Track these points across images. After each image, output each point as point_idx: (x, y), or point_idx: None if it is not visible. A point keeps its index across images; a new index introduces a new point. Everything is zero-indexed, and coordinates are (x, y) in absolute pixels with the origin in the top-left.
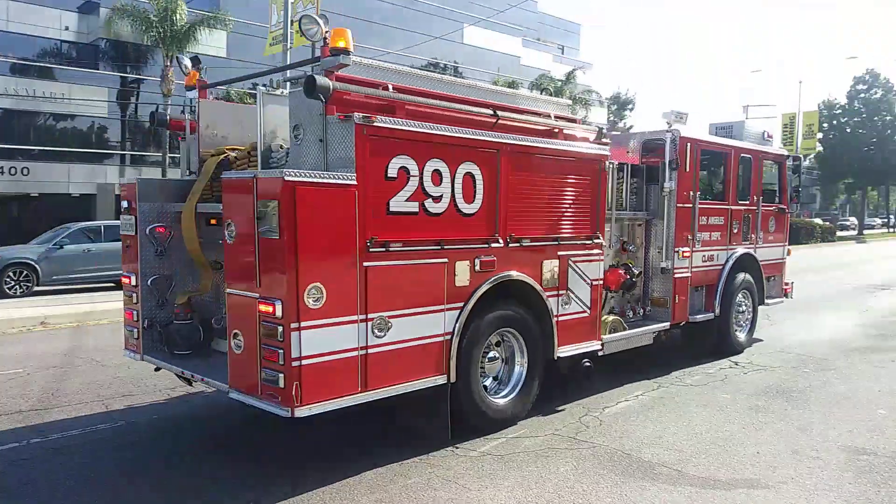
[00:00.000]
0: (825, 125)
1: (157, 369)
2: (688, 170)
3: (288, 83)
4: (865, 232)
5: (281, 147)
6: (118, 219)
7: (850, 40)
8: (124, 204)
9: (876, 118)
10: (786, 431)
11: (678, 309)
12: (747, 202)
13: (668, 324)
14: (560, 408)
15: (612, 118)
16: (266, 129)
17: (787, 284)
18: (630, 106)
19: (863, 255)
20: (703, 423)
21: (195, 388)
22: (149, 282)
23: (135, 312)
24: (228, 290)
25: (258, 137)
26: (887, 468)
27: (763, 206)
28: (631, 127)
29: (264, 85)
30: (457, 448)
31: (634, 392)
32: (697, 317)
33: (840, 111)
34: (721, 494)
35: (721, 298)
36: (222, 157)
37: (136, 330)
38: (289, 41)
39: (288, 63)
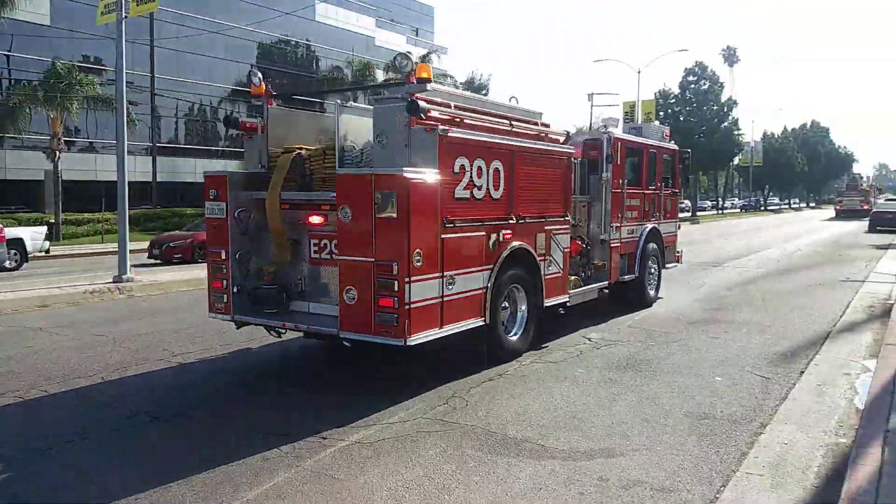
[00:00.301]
0: (661, 113)
1: (239, 326)
2: (618, 163)
3: (373, 99)
4: (698, 214)
5: (353, 148)
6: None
7: (686, 32)
8: (211, 192)
9: (705, 108)
10: (636, 402)
11: (613, 271)
12: (654, 187)
13: (607, 282)
14: (427, 392)
15: None
16: (340, 133)
17: (678, 252)
18: (484, 91)
19: (696, 235)
20: (562, 398)
21: (257, 342)
22: (237, 256)
23: (223, 281)
24: (342, 257)
25: (336, 140)
26: (724, 430)
27: (664, 190)
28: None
29: (340, 99)
30: (324, 439)
31: (497, 371)
32: (625, 277)
33: (674, 100)
34: (582, 465)
35: (639, 263)
36: (294, 154)
37: (225, 296)
38: (123, 10)
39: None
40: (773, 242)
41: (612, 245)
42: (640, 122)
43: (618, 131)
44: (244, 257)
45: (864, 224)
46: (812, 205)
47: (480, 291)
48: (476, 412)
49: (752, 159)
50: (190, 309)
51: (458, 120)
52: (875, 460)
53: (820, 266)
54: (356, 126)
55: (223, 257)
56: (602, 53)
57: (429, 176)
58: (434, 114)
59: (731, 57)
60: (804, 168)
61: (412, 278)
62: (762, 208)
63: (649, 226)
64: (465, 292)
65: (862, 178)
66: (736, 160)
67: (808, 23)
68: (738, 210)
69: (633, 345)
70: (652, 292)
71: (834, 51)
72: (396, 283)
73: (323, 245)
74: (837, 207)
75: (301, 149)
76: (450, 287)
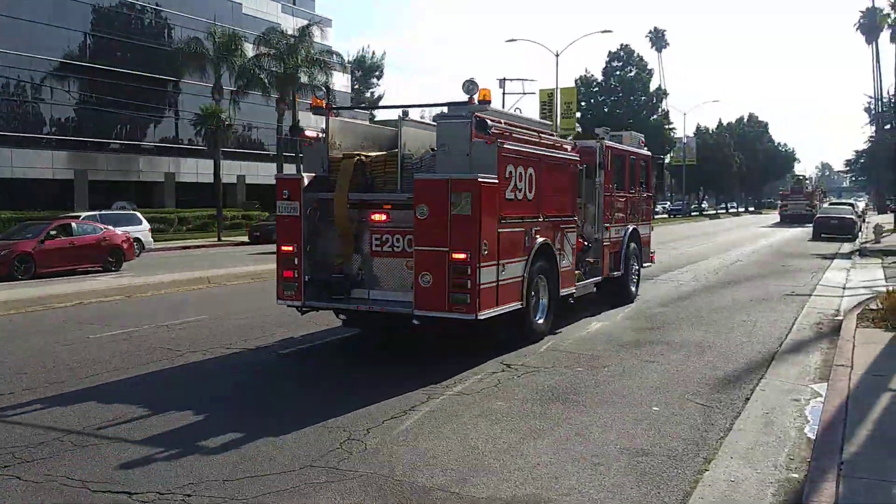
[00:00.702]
0: (583, 103)
1: (304, 311)
2: (609, 169)
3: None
4: None
5: (412, 155)
6: None
7: (610, 11)
8: (285, 192)
9: (632, 98)
10: (565, 437)
11: (605, 267)
12: (634, 191)
13: (600, 277)
14: (319, 427)
15: (356, 86)
16: (402, 143)
17: (652, 253)
18: (378, 73)
19: None
20: (479, 435)
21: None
22: (307, 249)
23: (295, 272)
24: (419, 248)
25: (399, 148)
26: (665, 468)
27: (641, 194)
28: (381, 97)
29: (404, 114)
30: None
31: (402, 407)
32: (614, 273)
33: (597, 88)
34: None
35: (624, 261)
36: (356, 159)
37: (296, 284)
38: None
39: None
40: (711, 252)
41: (604, 244)
42: (559, 112)
43: (608, 140)
44: (312, 251)
45: (809, 230)
46: (752, 209)
47: (520, 279)
48: (376, 456)
49: (685, 157)
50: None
51: (507, 133)
52: (829, 496)
53: (762, 278)
54: (411, 136)
55: (294, 251)
56: (516, 32)
57: (492, 180)
58: (493, 130)
59: (659, 40)
60: (742, 167)
61: (480, 265)
62: (696, 213)
63: (631, 227)
64: (511, 279)
65: (807, 179)
66: (667, 158)
67: (741, 7)
68: (667, 216)
69: (558, 371)
70: (633, 288)
71: (774, 38)
72: (469, 268)
73: (384, 239)
74: (782, 212)
75: (359, 155)
76: (502, 273)
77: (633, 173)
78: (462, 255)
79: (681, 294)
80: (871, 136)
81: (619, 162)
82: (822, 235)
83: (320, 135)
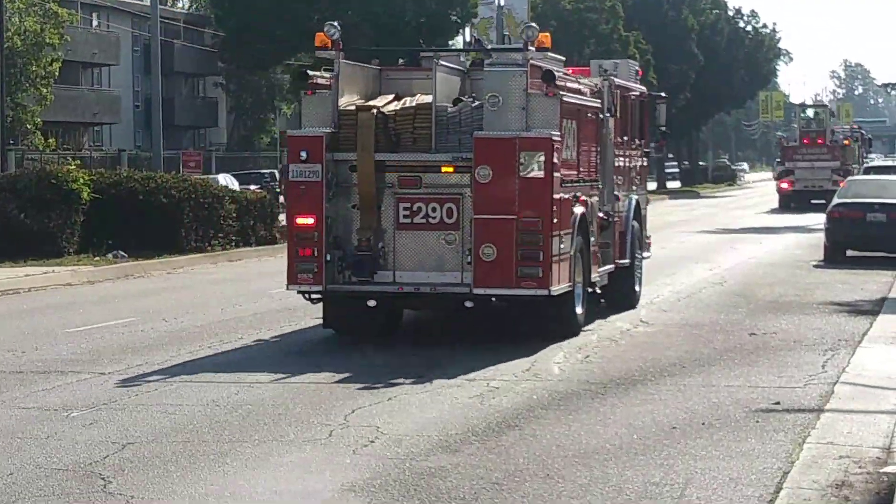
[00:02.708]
0: None
1: (315, 301)
2: (619, 117)
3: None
4: None
5: (448, 109)
6: None
7: None
8: (302, 153)
9: None
10: None
11: (618, 252)
12: (636, 146)
13: (612, 266)
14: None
15: None
16: (436, 93)
17: (648, 238)
18: None
19: None
20: None
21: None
22: (328, 222)
23: (314, 249)
24: (479, 216)
25: (433, 100)
26: None
27: (640, 150)
28: None
29: (436, 57)
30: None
31: None
32: (621, 262)
33: None
34: None
35: (630, 245)
36: (372, 112)
37: (315, 265)
38: None
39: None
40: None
41: (615, 219)
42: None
43: (616, 76)
44: (333, 223)
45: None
46: (743, 167)
47: (568, 256)
48: None
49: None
50: None
51: (562, 84)
52: None
53: (703, 366)
54: (440, 84)
55: (316, 223)
56: None
57: (558, 138)
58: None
59: None
60: (702, 58)
61: (553, 233)
62: None
63: (634, 198)
64: (564, 255)
65: (828, 108)
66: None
67: None
68: None
69: None
70: (638, 287)
71: None
72: (542, 237)
73: (416, 209)
74: (783, 185)
75: (376, 107)
76: (561, 245)
77: (633, 121)
78: (534, 222)
79: (525, 405)
80: None
81: (625, 106)
82: (848, 249)
83: (329, 82)
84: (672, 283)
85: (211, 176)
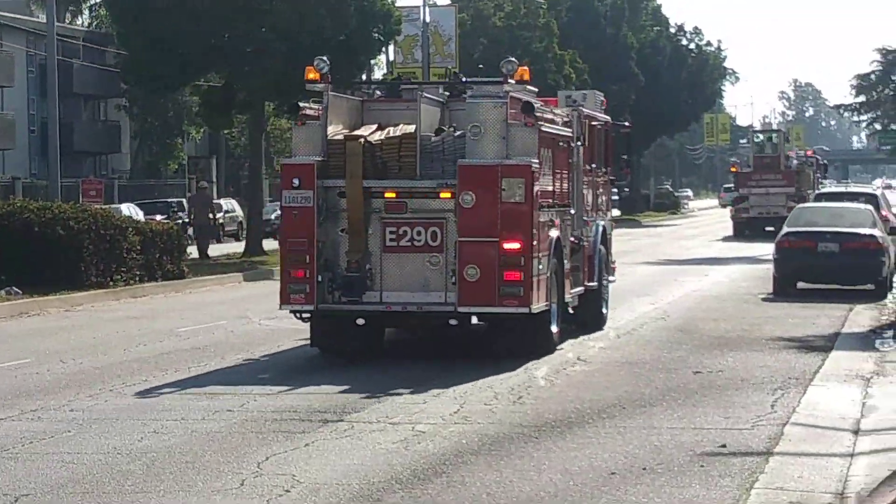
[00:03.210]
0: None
1: (306, 320)
2: (587, 145)
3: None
4: None
5: (431, 138)
6: None
7: None
8: (295, 181)
9: None
10: None
11: (587, 275)
12: (603, 173)
13: (583, 288)
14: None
15: None
16: (420, 124)
17: (613, 262)
18: None
19: None
20: None
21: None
22: (319, 245)
23: (306, 270)
24: (464, 239)
25: (417, 130)
26: None
27: (605, 177)
28: None
29: (421, 90)
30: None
31: None
32: (590, 284)
33: None
34: None
35: (598, 268)
36: (360, 142)
37: (307, 286)
38: None
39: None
40: None
41: (584, 243)
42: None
43: (583, 106)
44: (323, 246)
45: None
46: (687, 194)
47: (546, 276)
48: None
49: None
50: None
51: (540, 115)
52: None
53: (643, 406)
54: (423, 114)
55: (305, 247)
56: None
57: (536, 165)
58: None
59: None
60: (642, 78)
61: (534, 254)
62: None
63: (601, 223)
64: (543, 275)
65: (782, 133)
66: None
67: None
68: None
69: None
70: (605, 310)
71: None
72: (524, 258)
73: (402, 233)
74: (737, 214)
75: (363, 137)
76: (539, 266)
77: (599, 150)
78: (516, 245)
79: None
80: None
81: (592, 134)
82: (800, 285)
83: (318, 112)
84: (612, 318)
85: (113, 206)
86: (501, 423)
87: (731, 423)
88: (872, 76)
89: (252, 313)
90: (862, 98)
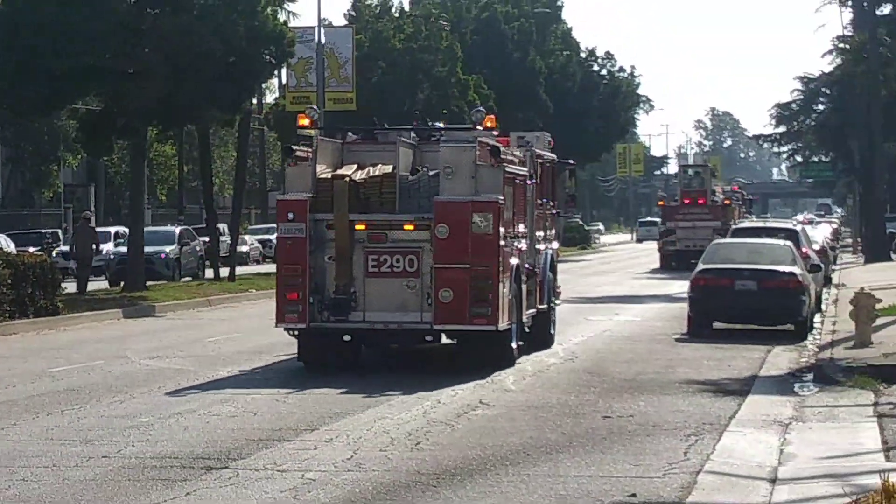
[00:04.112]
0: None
1: (296, 335)
2: (539, 181)
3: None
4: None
5: (408, 177)
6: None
7: None
8: (290, 214)
9: None
10: None
11: (538, 298)
12: (551, 206)
13: (535, 310)
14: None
15: None
16: (398, 164)
17: (559, 287)
18: None
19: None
20: None
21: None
22: (311, 271)
23: (300, 293)
24: (438, 265)
25: (398, 170)
26: None
27: (552, 210)
28: None
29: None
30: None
31: None
32: (540, 307)
33: None
34: None
35: (548, 292)
36: (346, 180)
37: (301, 306)
38: None
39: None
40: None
41: (537, 270)
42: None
43: (536, 146)
44: (314, 272)
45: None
46: (598, 228)
47: (510, 298)
48: None
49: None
50: None
51: (504, 157)
52: None
53: (558, 451)
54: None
55: (299, 272)
56: None
57: (503, 201)
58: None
59: None
60: (551, 105)
61: (500, 279)
62: None
63: (549, 252)
64: (506, 297)
65: (709, 168)
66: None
67: None
68: None
69: None
70: (553, 330)
71: None
72: (492, 282)
73: (382, 260)
74: (664, 247)
75: (348, 176)
76: (503, 289)
77: (547, 185)
78: (485, 271)
79: None
80: (838, 43)
81: (543, 171)
82: (716, 325)
83: (309, 154)
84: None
85: None
86: (397, 470)
87: (641, 470)
88: (793, 105)
89: (132, 353)
90: (782, 128)
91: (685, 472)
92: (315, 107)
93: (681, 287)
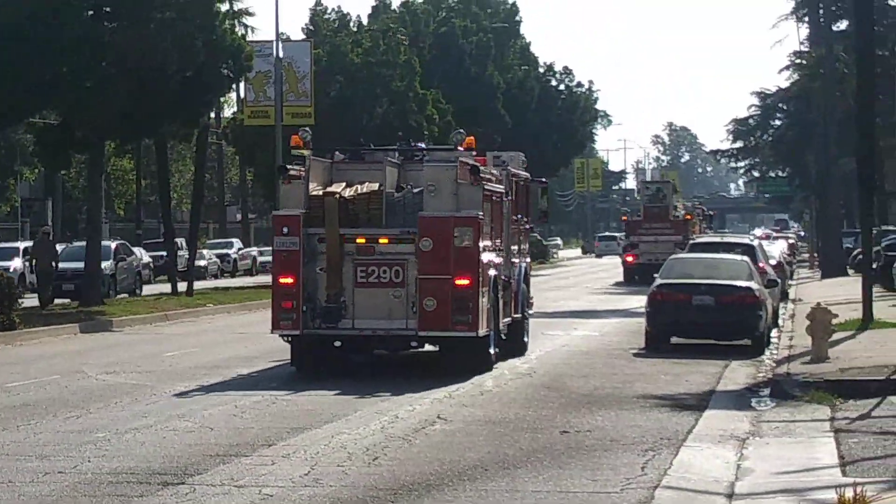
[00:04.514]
0: None
1: (289, 341)
2: (514, 198)
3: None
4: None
5: (394, 194)
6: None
7: None
8: (284, 229)
9: None
10: None
11: (513, 308)
12: (525, 222)
13: (510, 319)
14: None
15: None
16: (385, 182)
17: (531, 298)
18: None
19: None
20: None
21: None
22: (304, 281)
23: (293, 301)
24: (423, 276)
25: (384, 188)
26: None
27: (525, 226)
28: None
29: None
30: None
31: None
32: (515, 316)
33: None
34: None
35: (522, 302)
36: (336, 197)
37: (294, 314)
38: None
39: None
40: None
41: (512, 281)
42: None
43: (511, 166)
44: (306, 282)
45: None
46: (556, 243)
47: (489, 307)
48: None
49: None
50: None
51: (484, 176)
52: None
53: (515, 467)
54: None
55: (294, 283)
56: None
57: (482, 217)
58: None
59: None
60: (509, 120)
61: (480, 289)
62: None
63: (523, 265)
64: (486, 305)
65: (670, 184)
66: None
67: None
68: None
69: None
70: (526, 338)
71: None
72: (472, 291)
73: (370, 271)
74: (629, 258)
75: (337, 193)
76: (483, 299)
77: (524, 201)
78: (466, 281)
79: None
80: (795, 59)
81: (517, 189)
82: (674, 340)
83: (301, 173)
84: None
85: None
86: (355, 486)
87: (599, 486)
88: (750, 121)
89: (88, 367)
90: (739, 143)
91: (642, 488)
92: (308, 128)
93: (639, 302)
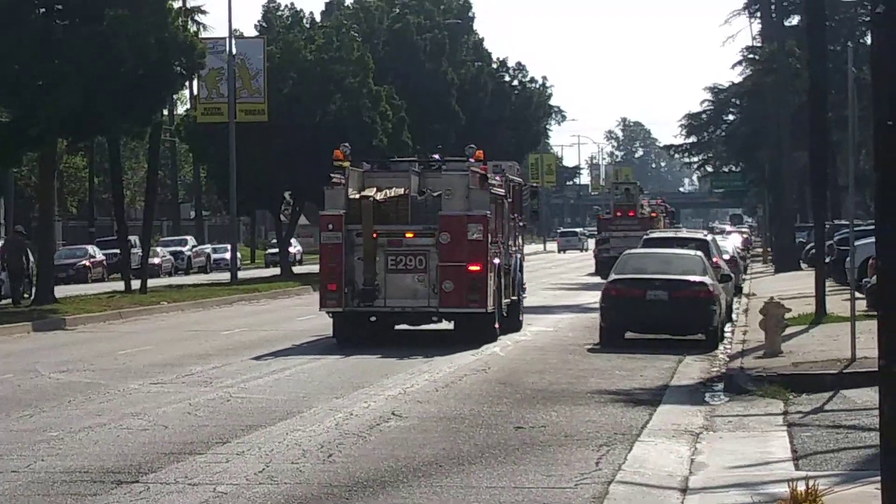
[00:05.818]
0: None
1: (333, 316)
2: (511, 200)
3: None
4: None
5: (417, 197)
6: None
7: None
8: (329, 225)
9: None
10: None
11: (510, 291)
12: (520, 220)
13: (509, 300)
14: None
15: None
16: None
17: (525, 284)
18: None
19: None
20: None
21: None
22: (345, 268)
23: (338, 284)
24: (442, 264)
25: (409, 192)
26: None
27: (520, 222)
28: None
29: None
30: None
31: None
32: (513, 297)
33: None
34: None
35: (518, 287)
36: (371, 200)
37: (338, 294)
38: None
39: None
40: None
41: (510, 268)
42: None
43: (510, 174)
44: (347, 269)
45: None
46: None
47: (495, 288)
48: None
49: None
50: None
51: (491, 183)
52: None
53: (470, 463)
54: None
55: (339, 269)
56: None
57: (490, 215)
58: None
59: None
60: (463, 116)
61: (489, 275)
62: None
63: (518, 256)
64: (492, 287)
65: (637, 185)
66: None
67: None
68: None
69: None
70: (521, 317)
71: None
72: (483, 276)
73: (399, 260)
74: (600, 254)
75: (370, 197)
76: (490, 282)
77: (517, 203)
78: (477, 267)
79: None
80: (748, 54)
81: (512, 192)
82: (628, 335)
83: (342, 181)
84: (429, 369)
85: None
86: (309, 483)
87: (553, 481)
88: (703, 116)
89: (41, 366)
90: (693, 139)
91: (597, 483)
92: (347, 144)
93: (593, 297)
